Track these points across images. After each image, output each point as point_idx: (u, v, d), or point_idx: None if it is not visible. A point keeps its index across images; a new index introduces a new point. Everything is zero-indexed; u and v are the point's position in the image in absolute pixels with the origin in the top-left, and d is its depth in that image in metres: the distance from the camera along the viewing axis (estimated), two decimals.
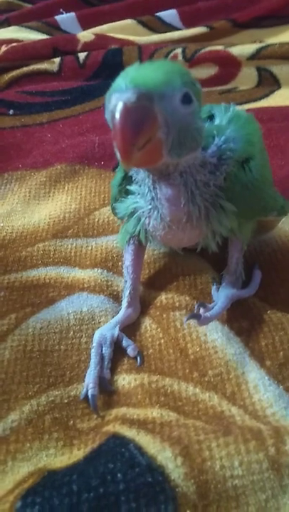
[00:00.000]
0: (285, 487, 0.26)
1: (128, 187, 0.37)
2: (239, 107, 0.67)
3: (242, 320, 0.37)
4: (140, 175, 0.35)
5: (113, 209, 0.40)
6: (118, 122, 0.25)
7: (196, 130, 0.30)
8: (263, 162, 0.35)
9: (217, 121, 0.35)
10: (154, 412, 0.32)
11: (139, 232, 0.37)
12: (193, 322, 0.36)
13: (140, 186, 0.35)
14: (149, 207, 0.34)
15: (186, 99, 0.28)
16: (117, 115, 0.25)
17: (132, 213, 0.37)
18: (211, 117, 0.36)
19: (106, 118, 0.29)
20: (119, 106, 0.25)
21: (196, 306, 0.36)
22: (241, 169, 0.34)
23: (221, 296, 0.37)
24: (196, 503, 0.26)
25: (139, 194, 0.36)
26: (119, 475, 0.27)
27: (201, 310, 0.35)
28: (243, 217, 0.36)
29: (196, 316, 0.34)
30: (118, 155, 0.27)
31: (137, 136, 0.26)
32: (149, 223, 0.35)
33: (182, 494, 0.26)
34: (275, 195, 0.37)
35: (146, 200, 0.34)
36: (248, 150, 0.34)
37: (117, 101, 0.26)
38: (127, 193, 0.37)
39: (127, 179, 0.37)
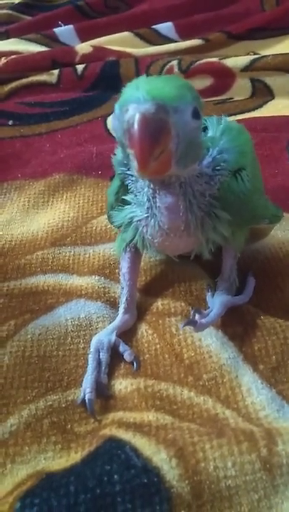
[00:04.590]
0: (277, 487, 0.27)
1: (124, 197, 0.38)
2: (234, 118, 0.69)
3: (236, 325, 0.38)
4: (138, 184, 0.36)
5: (110, 217, 0.41)
6: (137, 132, 0.27)
7: (199, 144, 0.32)
8: (254, 172, 0.37)
9: (210, 133, 0.36)
10: (150, 416, 0.32)
11: (137, 240, 0.38)
12: (188, 328, 0.37)
13: (136, 196, 0.36)
14: (146, 215, 0.35)
15: (196, 114, 0.29)
16: (136, 125, 0.26)
17: (130, 223, 0.38)
18: (204, 129, 0.37)
19: (113, 126, 0.30)
20: (138, 117, 0.26)
21: (191, 312, 0.37)
22: (234, 179, 0.35)
23: (216, 302, 0.38)
24: (191, 503, 0.27)
25: (135, 204, 0.37)
26: (115, 476, 0.27)
27: (197, 316, 0.36)
28: (236, 225, 0.37)
29: (192, 323, 0.35)
30: (134, 164, 0.28)
31: (154, 147, 0.27)
32: (146, 231, 0.36)
33: (177, 495, 0.27)
34: (266, 204, 0.39)
35: (144, 209, 0.35)
36: (241, 160, 0.35)
37: (135, 111, 0.27)
38: (124, 202, 0.38)
39: (124, 188, 0.38)
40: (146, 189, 0.34)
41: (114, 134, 0.31)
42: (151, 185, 0.33)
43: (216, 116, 0.37)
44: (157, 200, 0.34)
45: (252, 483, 0.27)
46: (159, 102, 0.27)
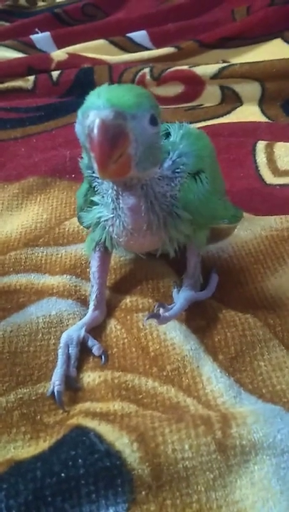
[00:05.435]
0: (231, 467, 0.29)
1: (92, 198, 0.39)
2: (204, 123, 0.72)
3: (199, 319, 0.40)
4: (104, 186, 0.38)
5: (79, 218, 0.43)
6: (97, 137, 0.28)
7: (158, 148, 0.34)
8: (213, 174, 0.39)
9: (172, 138, 0.38)
10: (116, 405, 0.34)
11: (105, 239, 0.40)
12: (153, 322, 0.38)
13: (103, 197, 0.38)
14: (112, 216, 0.37)
15: (153, 121, 0.31)
16: (96, 130, 0.28)
17: (97, 223, 0.40)
18: (168, 134, 0.39)
19: (77, 131, 0.32)
20: (98, 122, 0.28)
21: (155, 307, 0.39)
22: (193, 181, 0.37)
23: (180, 297, 0.40)
24: (151, 484, 0.28)
25: (102, 205, 0.38)
26: (79, 460, 0.29)
27: (161, 310, 0.38)
28: (197, 225, 0.39)
29: (155, 316, 0.37)
30: (95, 167, 0.29)
31: (113, 150, 0.29)
32: (112, 231, 0.38)
33: (138, 476, 0.28)
34: (225, 205, 0.41)
35: (109, 210, 0.37)
36: (199, 164, 0.37)
37: (95, 117, 0.28)
38: (92, 203, 0.40)
39: (92, 190, 0.40)
40: (110, 191, 0.36)
41: (78, 139, 0.32)
42: (115, 187, 0.35)
43: (178, 123, 0.40)
44: (121, 201, 0.36)
45: (207, 464, 0.29)
46: (118, 109, 0.29)
